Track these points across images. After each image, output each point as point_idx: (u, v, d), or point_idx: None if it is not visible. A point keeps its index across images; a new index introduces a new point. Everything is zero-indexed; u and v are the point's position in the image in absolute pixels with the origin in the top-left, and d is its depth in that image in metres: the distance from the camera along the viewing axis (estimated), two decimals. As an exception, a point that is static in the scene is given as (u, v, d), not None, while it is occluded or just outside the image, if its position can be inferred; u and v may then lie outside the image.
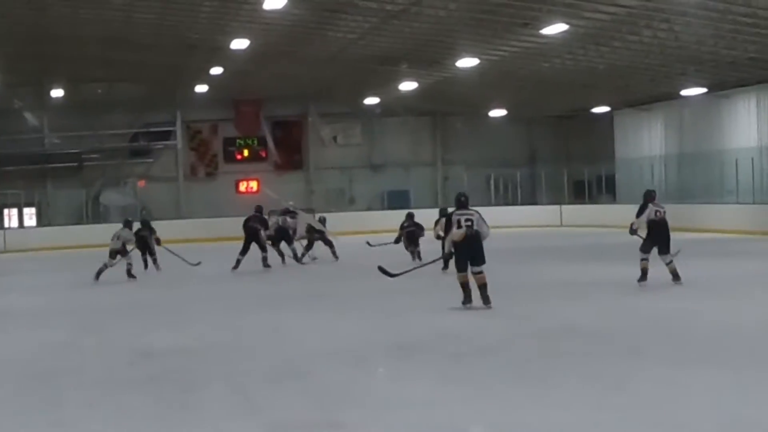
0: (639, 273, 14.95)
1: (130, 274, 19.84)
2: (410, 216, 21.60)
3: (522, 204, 38.53)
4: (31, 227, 37.57)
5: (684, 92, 30.08)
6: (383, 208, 38.40)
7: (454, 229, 12.77)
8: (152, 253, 21.83)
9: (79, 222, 37.35)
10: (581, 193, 37.76)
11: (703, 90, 29.35)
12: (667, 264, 14.77)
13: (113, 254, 19.81)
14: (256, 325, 12.33)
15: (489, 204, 39.17)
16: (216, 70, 31.60)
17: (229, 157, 40.26)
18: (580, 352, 9.45)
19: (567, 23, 22.34)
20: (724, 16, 21.54)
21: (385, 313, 13.01)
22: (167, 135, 39.48)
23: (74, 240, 33.43)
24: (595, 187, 38.01)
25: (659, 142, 34.59)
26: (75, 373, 9.37)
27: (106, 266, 19.67)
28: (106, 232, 34.55)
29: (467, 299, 12.81)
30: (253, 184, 39.82)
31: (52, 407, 7.87)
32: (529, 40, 25.02)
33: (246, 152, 40.38)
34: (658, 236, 14.81)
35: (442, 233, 14.08)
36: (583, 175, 37.84)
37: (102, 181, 38.93)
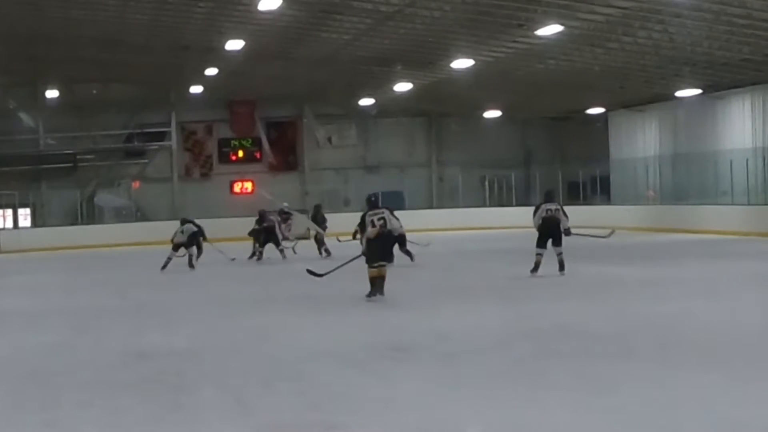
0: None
1: (191, 265, 21.94)
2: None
3: (516, 205, 38.57)
4: (25, 228, 37.55)
5: (679, 93, 30.09)
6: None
7: (369, 228, 14.00)
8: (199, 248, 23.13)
9: (73, 223, 37.38)
10: (576, 194, 37.78)
11: (698, 91, 29.37)
12: (558, 255, 16.58)
13: (176, 247, 22.03)
14: (249, 327, 12.30)
15: (483, 205, 39.29)
16: (211, 71, 31.58)
17: (224, 158, 40.22)
18: (574, 353, 9.45)
19: (562, 24, 22.34)
20: (718, 17, 21.56)
21: (378, 314, 13.02)
22: (162, 136, 39.48)
23: (69, 241, 33.43)
24: (589, 188, 38.06)
25: (654, 143, 34.62)
26: (69, 374, 9.35)
27: (170, 258, 21.81)
28: (100, 233, 35.14)
29: (373, 293, 13.98)
30: (248, 185, 39.80)
31: (46, 408, 7.86)
32: (523, 41, 25.03)
33: (241, 153, 40.33)
34: (548, 231, 16.58)
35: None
36: (578, 176, 37.89)
37: (96, 182, 38.93)
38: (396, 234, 14.23)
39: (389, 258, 14.03)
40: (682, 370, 8.42)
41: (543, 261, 16.89)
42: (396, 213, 27.24)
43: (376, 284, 13.96)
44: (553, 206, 16.84)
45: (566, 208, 17.20)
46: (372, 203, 14.35)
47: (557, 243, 16.61)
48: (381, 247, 13.99)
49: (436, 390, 7.93)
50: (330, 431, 6.86)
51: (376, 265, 13.97)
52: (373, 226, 13.98)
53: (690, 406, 7.16)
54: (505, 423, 6.90)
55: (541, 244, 16.69)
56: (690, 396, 7.48)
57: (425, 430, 6.79)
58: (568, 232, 16.75)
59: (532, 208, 17.70)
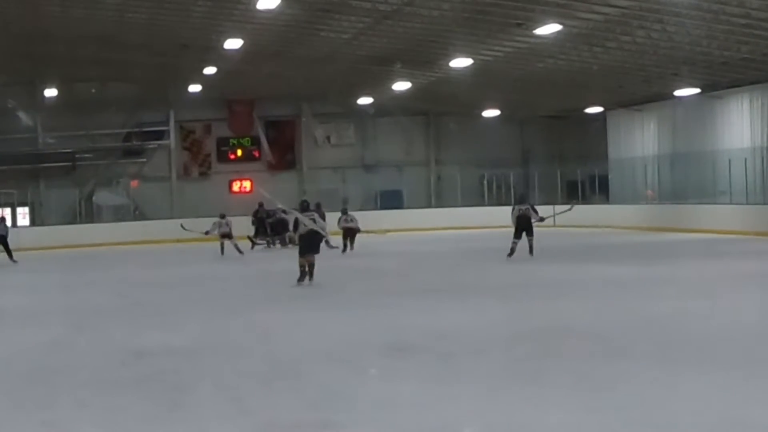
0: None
1: (238, 250, 25.38)
2: (345, 211, 26.06)
3: (515, 204, 38.52)
4: (24, 227, 37.49)
5: (677, 93, 30.11)
6: (376, 208, 38.47)
7: (300, 227, 16.93)
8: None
9: (72, 222, 37.36)
10: (574, 193, 37.77)
11: (697, 90, 29.38)
12: (529, 241, 21.00)
13: (223, 236, 25.75)
14: (247, 326, 12.30)
15: (482, 204, 39.26)
16: (209, 70, 31.58)
17: (223, 157, 40.24)
18: (573, 353, 9.44)
19: (560, 23, 22.35)
20: (717, 16, 21.56)
21: (377, 313, 13.01)
22: (160, 135, 39.46)
23: (67, 240, 33.43)
24: (588, 187, 38.04)
25: (652, 142, 34.62)
26: (66, 373, 9.34)
27: (223, 245, 25.74)
28: (98, 232, 35.13)
29: (302, 278, 16.59)
30: (247, 184, 39.78)
31: (44, 407, 7.84)
32: (522, 41, 25.03)
33: (239, 152, 40.34)
34: (522, 226, 21.06)
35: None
36: (576, 175, 37.89)
37: (95, 181, 38.91)
38: (322, 233, 17.21)
39: (315, 251, 16.87)
40: (681, 369, 8.42)
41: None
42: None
43: (305, 271, 16.61)
44: (524, 207, 21.44)
45: (564, 207, 22.13)
46: (304, 208, 17.43)
47: (530, 234, 21.13)
48: (308, 242, 16.78)
49: (435, 389, 7.92)
50: (328, 430, 6.86)
51: (303, 257, 16.66)
52: (304, 225, 16.86)
53: (689, 406, 7.16)
54: (504, 422, 6.89)
55: (517, 236, 21.08)
56: (689, 395, 7.48)
57: (424, 430, 6.79)
58: (542, 220, 21.47)
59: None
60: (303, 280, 16.57)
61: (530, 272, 18.39)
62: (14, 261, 26.29)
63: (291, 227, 26.04)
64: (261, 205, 29.88)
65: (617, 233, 30.65)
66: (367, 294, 15.32)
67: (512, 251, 20.94)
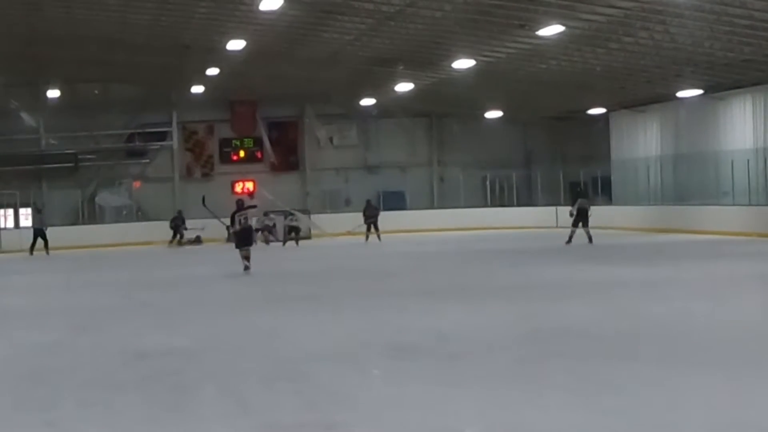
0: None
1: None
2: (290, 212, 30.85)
3: (518, 205, 38.59)
4: (26, 227, 37.49)
5: (680, 94, 30.09)
6: (379, 209, 38.45)
7: (236, 225, 19.81)
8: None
9: (74, 222, 37.41)
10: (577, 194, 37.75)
11: (699, 91, 29.37)
12: (587, 233, 25.56)
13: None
14: (250, 327, 12.30)
15: (485, 205, 39.29)
16: (212, 71, 31.60)
17: (225, 158, 40.25)
18: (575, 353, 9.44)
19: (563, 24, 22.35)
20: (719, 17, 21.56)
21: (380, 314, 13.00)
22: (163, 135, 39.49)
23: (70, 240, 33.45)
24: (590, 188, 38.03)
25: (655, 143, 34.61)
26: (68, 374, 9.34)
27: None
28: (101, 233, 35.17)
29: (247, 267, 19.73)
30: (249, 185, 39.80)
31: (45, 407, 7.84)
32: (525, 42, 25.03)
33: (242, 153, 40.36)
34: (580, 218, 25.66)
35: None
36: (579, 176, 37.86)
37: (97, 182, 38.95)
38: (253, 230, 20.68)
39: (249, 243, 19.98)
40: (683, 370, 8.41)
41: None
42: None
43: (247, 262, 19.67)
44: (585, 201, 26.28)
45: (567, 209, 26.41)
46: (240, 206, 20.07)
47: (586, 225, 25.61)
48: (243, 237, 19.89)
49: (437, 390, 7.92)
50: (330, 430, 6.86)
51: (242, 249, 19.82)
52: (240, 224, 19.66)
53: (691, 407, 7.15)
54: (505, 423, 6.89)
55: (575, 224, 25.67)
56: (691, 396, 7.47)
57: (425, 430, 6.79)
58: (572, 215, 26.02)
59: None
60: (248, 270, 19.62)
61: (533, 273, 18.38)
62: (47, 254, 29.02)
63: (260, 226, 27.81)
64: (180, 212, 34.47)
65: (620, 234, 30.66)
66: (369, 295, 15.31)
67: (570, 239, 25.41)
